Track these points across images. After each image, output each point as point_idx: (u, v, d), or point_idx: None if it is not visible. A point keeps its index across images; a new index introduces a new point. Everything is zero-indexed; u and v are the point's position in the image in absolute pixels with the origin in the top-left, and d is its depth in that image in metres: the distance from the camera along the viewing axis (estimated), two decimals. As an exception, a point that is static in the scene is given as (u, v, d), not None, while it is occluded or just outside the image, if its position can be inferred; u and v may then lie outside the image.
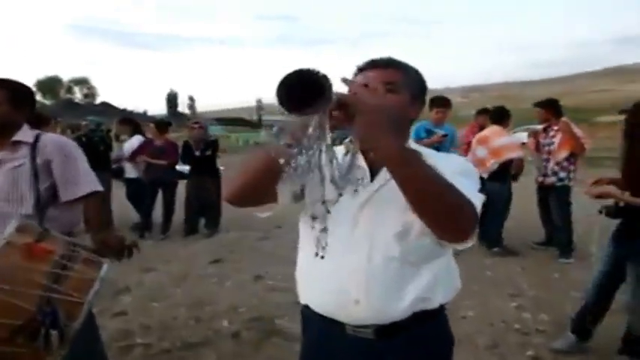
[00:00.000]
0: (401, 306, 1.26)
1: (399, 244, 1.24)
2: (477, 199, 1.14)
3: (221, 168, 7.10)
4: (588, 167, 8.74)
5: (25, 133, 2.09)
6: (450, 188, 1.05)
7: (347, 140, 1.23)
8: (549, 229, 5.62)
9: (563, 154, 5.14)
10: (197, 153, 6.58)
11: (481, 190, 1.23)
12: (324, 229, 1.13)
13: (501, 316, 3.76)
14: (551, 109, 5.38)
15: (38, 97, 68.25)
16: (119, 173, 7.20)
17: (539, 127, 5.55)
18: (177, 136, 11.61)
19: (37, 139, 2.09)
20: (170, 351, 3.30)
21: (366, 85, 1.23)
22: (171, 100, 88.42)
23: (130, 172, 7.02)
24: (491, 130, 5.54)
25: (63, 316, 1.58)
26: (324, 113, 0.98)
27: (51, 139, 2.15)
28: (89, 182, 2.13)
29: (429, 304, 1.30)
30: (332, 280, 1.29)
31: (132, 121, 7.90)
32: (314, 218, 1.13)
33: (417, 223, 1.18)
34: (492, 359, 3.16)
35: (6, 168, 2.02)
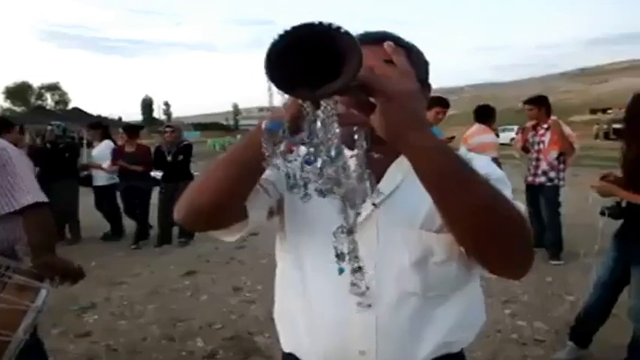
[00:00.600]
0: (420, 355, 0.99)
1: (417, 274, 0.96)
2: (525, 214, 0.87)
3: (195, 174, 6.77)
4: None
5: None
6: (502, 198, 0.78)
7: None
8: (537, 229, 5.45)
9: (554, 154, 5.02)
10: (169, 158, 6.24)
11: None
12: (359, 269, 0.86)
13: (496, 325, 3.53)
14: (542, 106, 5.23)
15: (7, 104, 66.34)
16: (87, 181, 6.81)
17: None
18: (153, 141, 11.17)
19: None
20: (138, 377, 2.98)
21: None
22: (146, 105, 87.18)
23: (100, 179, 6.64)
24: (473, 129, 5.48)
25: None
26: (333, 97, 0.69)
27: None
28: (29, 192, 1.81)
29: (453, 347, 1.02)
30: (329, 326, 1.00)
31: (101, 126, 7.52)
32: (339, 255, 0.85)
33: (440, 245, 0.94)
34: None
35: None
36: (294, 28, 0.62)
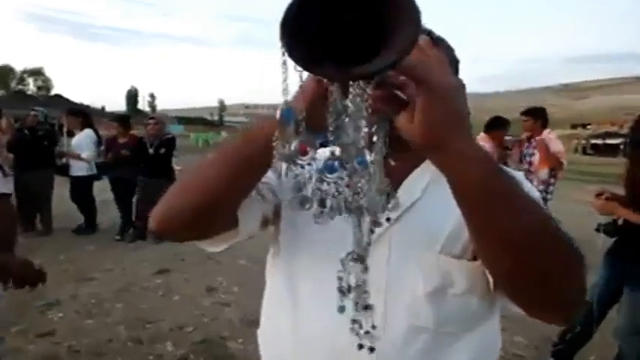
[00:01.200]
0: None
1: (431, 306, 0.81)
2: None
3: (177, 168, 6.59)
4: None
5: None
6: (554, 225, 0.64)
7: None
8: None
9: (544, 172, 5.00)
10: (151, 151, 6.04)
11: None
12: (367, 308, 0.63)
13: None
14: (538, 119, 5.18)
15: (-14, 87, 64.95)
16: (64, 170, 6.55)
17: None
18: (137, 133, 10.82)
19: None
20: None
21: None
22: (131, 96, 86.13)
23: (77, 169, 6.38)
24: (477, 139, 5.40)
25: None
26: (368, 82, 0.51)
27: None
28: None
29: None
30: (325, 356, 0.85)
31: (82, 113, 7.22)
32: (344, 290, 0.63)
33: (461, 274, 0.80)
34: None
35: None
36: None
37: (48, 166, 6.21)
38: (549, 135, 5.08)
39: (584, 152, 26.50)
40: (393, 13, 0.46)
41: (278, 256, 0.95)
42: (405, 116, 0.57)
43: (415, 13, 0.45)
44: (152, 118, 6.56)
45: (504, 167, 0.63)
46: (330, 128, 0.55)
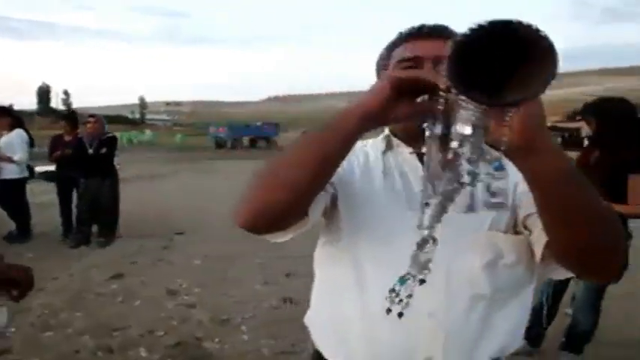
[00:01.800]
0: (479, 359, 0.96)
1: (488, 277, 0.93)
2: None
3: (117, 166, 6.30)
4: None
5: None
6: (602, 200, 0.76)
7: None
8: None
9: None
10: (91, 151, 5.72)
11: None
12: (422, 282, 0.75)
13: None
14: None
15: None
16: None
17: None
18: (48, 133, 10.02)
19: None
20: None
21: (418, 59, 0.95)
22: (43, 94, 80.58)
23: (7, 172, 5.86)
24: None
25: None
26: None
27: None
28: None
29: (504, 352, 0.99)
30: (394, 333, 0.92)
31: (10, 113, 6.67)
32: (411, 270, 0.74)
33: (508, 247, 0.93)
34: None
35: None
36: (491, 23, 0.53)
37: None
38: None
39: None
40: (533, 56, 0.54)
41: (338, 243, 1.01)
42: (495, 123, 0.63)
43: (554, 60, 0.54)
44: (92, 116, 6.20)
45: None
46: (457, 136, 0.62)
